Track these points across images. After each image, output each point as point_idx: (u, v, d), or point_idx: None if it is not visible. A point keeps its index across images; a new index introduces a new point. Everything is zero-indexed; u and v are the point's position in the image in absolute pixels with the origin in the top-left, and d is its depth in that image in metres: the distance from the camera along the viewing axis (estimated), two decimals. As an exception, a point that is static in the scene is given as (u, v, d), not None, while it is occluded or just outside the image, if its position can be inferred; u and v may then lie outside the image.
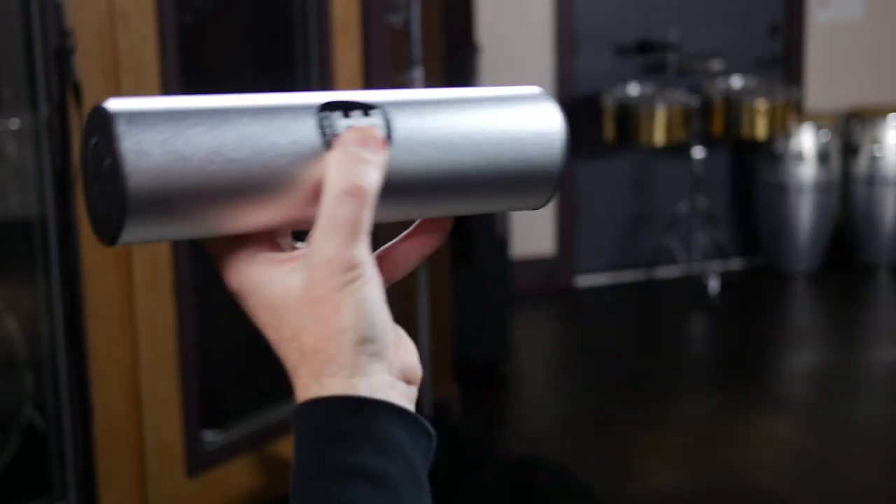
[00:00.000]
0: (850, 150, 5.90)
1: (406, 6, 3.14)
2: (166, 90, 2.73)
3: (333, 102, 0.62)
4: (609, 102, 5.40)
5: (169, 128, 0.58)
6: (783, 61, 6.11)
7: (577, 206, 5.81)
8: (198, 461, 2.94)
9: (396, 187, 0.63)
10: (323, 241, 0.60)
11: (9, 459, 2.65)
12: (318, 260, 0.60)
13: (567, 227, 5.78)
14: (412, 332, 3.79)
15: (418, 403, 0.66)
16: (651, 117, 5.29)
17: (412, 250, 0.69)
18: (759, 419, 4.03)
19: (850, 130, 5.90)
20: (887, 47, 6.22)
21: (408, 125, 0.63)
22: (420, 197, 0.65)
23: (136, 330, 2.75)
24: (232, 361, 3.31)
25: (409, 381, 0.64)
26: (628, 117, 5.33)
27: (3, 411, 2.71)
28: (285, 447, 3.21)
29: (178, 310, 2.82)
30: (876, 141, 5.80)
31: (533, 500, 2.95)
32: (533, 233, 5.61)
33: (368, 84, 3.32)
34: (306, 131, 0.61)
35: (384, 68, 3.35)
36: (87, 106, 2.43)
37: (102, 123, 0.58)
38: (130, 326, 2.73)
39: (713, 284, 5.40)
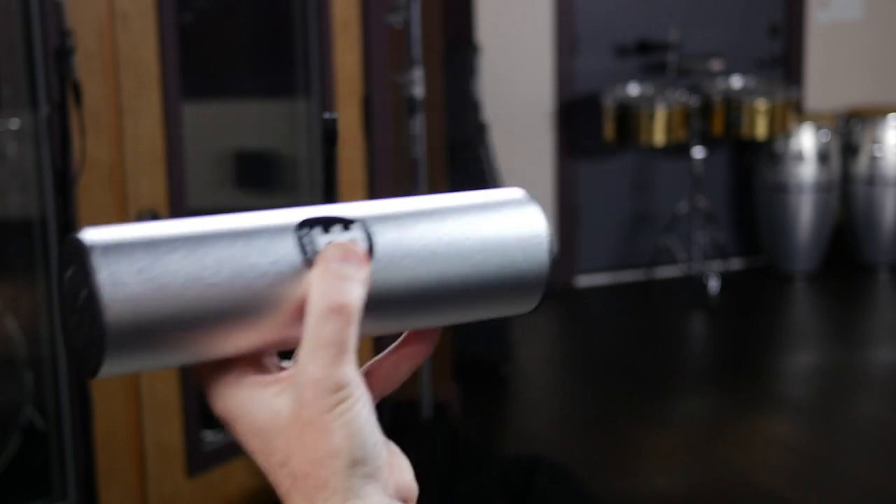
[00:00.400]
0: (850, 150, 5.90)
1: (406, 6, 3.14)
2: (166, 90, 2.73)
3: (312, 218, 0.61)
4: (609, 102, 5.40)
5: (146, 256, 0.56)
6: (783, 61, 6.11)
7: (577, 206, 5.81)
8: (198, 461, 2.95)
9: (381, 301, 0.62)
10: (309, 362, 0.58)
11: (9, 459, 2.65)
12: (305, 381, 0.58)
13: (567, 227, 5.79)
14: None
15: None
16: (651, 117, 5.29)
17: (402, 362, 0.67)
18: (759, 419, 4.03)
19: (850, 130, 5.90)
20: (887, 47, 6.22)
21: (389, 237, 0.62)
22: (406, 310, 0.63)
23: (136, 330, 2.74)
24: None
25: (404, 501, 0.63)
26: (628, 117, 5.33)
27: (3, 411, 2.71)
28: (285, 447, 3.20)
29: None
30: (876, 141, 5.80)
31: (533, 500, 2.95)
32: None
33: (368, 84, 3.32)
34: (286, 250, 0.59)
35: (384, 68, 3.35)
36: (88, 106, 2.43)
37: (78, 255, 0.56)
38: (130, 326, 2.73)
39: (713, 284, 5.40)
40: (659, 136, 5.32)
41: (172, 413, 2.86)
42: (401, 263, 0.62)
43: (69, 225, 2.38)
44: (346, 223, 0.62)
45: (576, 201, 5.80)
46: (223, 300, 0.58)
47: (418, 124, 3.16)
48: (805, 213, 5.73)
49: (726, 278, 5.64)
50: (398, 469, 0.63)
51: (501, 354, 4.42)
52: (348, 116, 3.27)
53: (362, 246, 0.61)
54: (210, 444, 3.00)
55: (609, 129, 5.42)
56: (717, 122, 5.51)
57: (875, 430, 3.96)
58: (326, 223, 0.61)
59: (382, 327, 0.64)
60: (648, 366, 4.62)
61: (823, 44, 6.12)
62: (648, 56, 5.79)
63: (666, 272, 5.86)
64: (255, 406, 0.60)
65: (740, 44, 5.98)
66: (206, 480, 2.98)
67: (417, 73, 3.14)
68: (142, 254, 0.56)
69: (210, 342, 0.58)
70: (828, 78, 6.14)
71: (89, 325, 0.56)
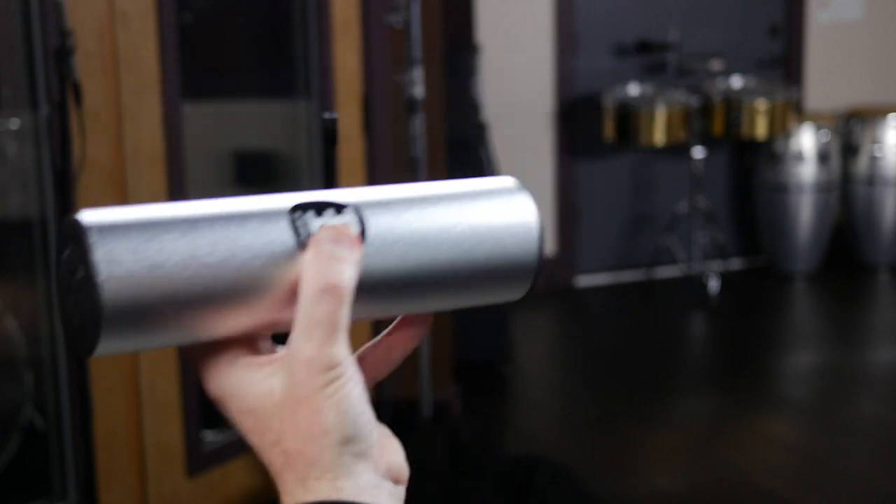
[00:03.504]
0: (850, 150, 5.90)
1: (406, 6, 3.14)
2: (166, 90, 2.73)
3: (306, 203, 0.62)
4: (609, 102, 5.40)
5: (141, 236, 0.57)
6: (783, 61, 6.11)
7: (577, 206, 5.81)
8: (198, 461, 2.95)
9: (373, 285, 0.62)
10: (301, 341, 0.58)
11: (9, 459, 2.65)
12: (298, 361, 0.59)
13: (567, 227, 5.79)
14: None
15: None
16: (651, 117, 5.29)
17: (395, 347, 0.68)
18: (759, 419, 4.03)
19: (850, 130, 5.90)
20: (887, 47, 6.22)
21: (381, 222, 0.63)
22: (397, 294, 0.64)
23: (136, 330, 2.74)
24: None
25: (396, 481, 0.63)
26: (628, 117, 5.33)
27: (3, 411, 2.70)
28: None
29: (178, 310, 2.82)
30: (876, 141, 5.80)
31: (533, 500, 2.95)
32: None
33: (368, 84, 3.32)
34: (280, 233, 0.60)
35: (384, 68, 3.35)
36: (88, 106, 2.43)
37: (74, 235, 0.57)
38: (130, 326, 2.73)
39: (713, 284, 5.40)
40: (659, 136, 5.32)
41: (172, 413, 2.86)
42: (392, 248, 0.63)
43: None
44: (339, 208, 0.63)
45: (576, 201, 5.80)
46: (217, 281, 0.58)
47: (418, 124, 3.16)
48: (805, 213, 5.73)
49: (726, 278, 5.64)
50: (390, 450, 0.63)
51: (501, 354, 4.42)
52: (348, 116, 3.27)
53: (354, 229, 0.62)
54: (210, 444, 3.00)
55: (609, 129, 5.42)
56: (717, 122, 5.51)
57: (875, 430, 3.96)
58: (319, 207, 0.62)
59: (374, 311, 0.64)
60: (648, 366, 4.62)
61: (823, 44, 6.12)
62: (648, 56, 5.79)
63: (666, 272, 5.86)
64: (248, 386, 0.61)
65: (740, 44, 5.98)
66: (206, 480, 2.98)
67: (417, 73, 3.14)
68: (138, 234, 0.57)
69: (204, 323, 0.59)
70: (828, 78, 6.14)
71: (85, 304, 0.57)
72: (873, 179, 5.85)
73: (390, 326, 0.69)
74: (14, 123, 2.59)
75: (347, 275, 0.59)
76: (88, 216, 0.57)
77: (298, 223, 0.61)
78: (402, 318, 0.68)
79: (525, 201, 0.68)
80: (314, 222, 0.61)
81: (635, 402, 4.19)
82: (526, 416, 4.21)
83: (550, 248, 5.77)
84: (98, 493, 2.51)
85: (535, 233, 0.68)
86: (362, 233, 0.62)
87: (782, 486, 3.44)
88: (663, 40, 5.66)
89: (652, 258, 5.84)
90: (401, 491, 0.64)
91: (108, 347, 0.58)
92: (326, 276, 0.59)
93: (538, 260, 0.68)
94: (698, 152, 5.50)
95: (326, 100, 3.20)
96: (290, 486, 0.60)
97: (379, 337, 0.69)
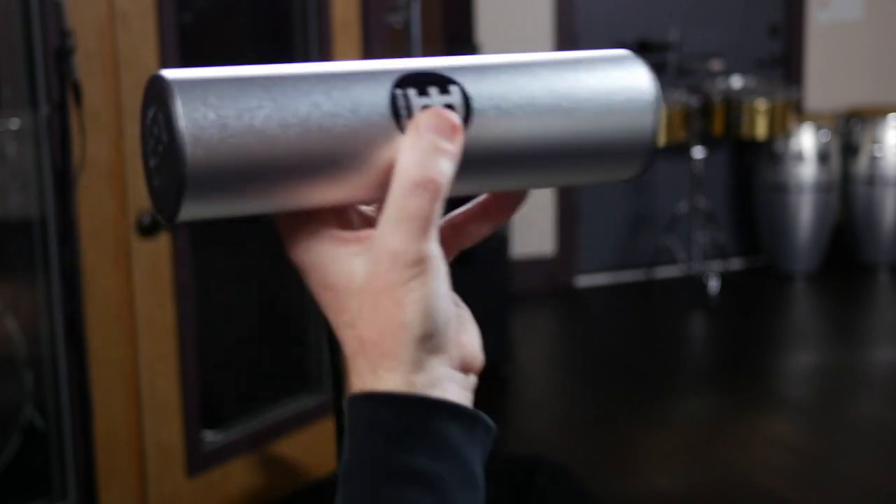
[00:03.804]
0: (850, 150, 5.90)
1: (406, 6, 3.14)
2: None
3: (411, 75, 0.58)
4: (609, 102, 5.39)
5: (230, 98, 0.54)
6: (783, 61, 6.11)
7: (577, 206, 5.81)
8: (198, 461, 2.94)
9: (476, 160, 0.59)
10: (390, 232, 0.57)
11: (9, 459, 2.65)
12: (384, 251, 0.57)
13: (567, 227, 5.79)
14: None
15: None
16: (651, 117, 5.28)
17: (485, 221, 0.66)
18: (759, 419, 4.03)
19: (850, 130, 5.90)
20: (887, 47, 6.22)
21: (489, 95, 0.59)
22: (502, 170, 0.61)
23: (136, 330, 2.75)
24: (232, 361, 3.31)
25: (468, 370, 0.63)
26: (628, 117, 5.32)
27: (3, 411, 2.70)
28: (285, 447, 3.21)
29: (178, 310, 2.82)
30: (876, 141, 5.80)
31: (533, 500, 2.94)
32: (533, 233, 5.61)
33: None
34: (379, 108, 0.56)
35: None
36: (88, 106, 2.43)
37: (159, 94, 0.54)
38: (130, 326, 2.73)
39: (713, 284, 5.40)
40: (659, 136, 5.31)
41: (172, 413, 2.86)
42: (499, 123, 0.59)
43: (69, 225, 2.38)
44: (445, 85, 0.58)
45: (576, 201, 5.80)
46: (308, 153, 0.55)
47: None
48: (805, 213, 5.73)
49: (726, 278, 5.64)
50: (466, 338, 0.63)
51: (501, 354, 4.42)
52: (348, 116, 3.27)
53: (459, 113, 0.58)
54: (210, 444, 3.00)
55: (609, 129, 5.42)
56: (717, 122, 5.51)
57: (875, 430, 3.96)
58: (424, 81, 0.58)
59: (475, 187, 0.62)
60: (648, 366, 4.62)
61: (823, 44, 6.12)
62: (648, 56, 5.79)
63: (666, 272, 5.86)
64: (330, 261, 0.59)
65: (740, 44, 5.98)
66: (206, 480, 2.98)
67: (417, 73, 3.14)
68: (226, 95, 0.54)
69: (292, 193, 0.56)
70: (828, 78, 6.14)
71: (169, 168, 0.54)
72: (873, 179, 5.85)
73: (483, 197, 0.66)
74: (14, 123, 2.59)
75: (446, 168, 0.57)
76: (175, 73, 0.55)
77: (400, 101, 0.57)
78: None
79: (641, 71, 0.65)
80: (417, 102, 0.58)
81: (635, 402, 4.18)
82: (526, 416, 4.21)
83: (550, 248, 5.77)
84: (98, 493, 2.51)
85: (651, 105, 0.64)
86: (468, 113, 0.58)
87: (782, 486, 3.44)
88: (663, 40, 5.66)
89: (652, 258, 5.84)
90: (472, 380, 0.63)
91: (190, 213, 0.55)
92: (424, 168, 0.56)
93: (654, 134, 0.64)
94: (698, 152, 5.50)
95: (326, 100, 3.20)
96: (360, 370, 0.59)
97: (470, 205, 0.66)
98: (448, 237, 0.64)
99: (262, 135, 0.54)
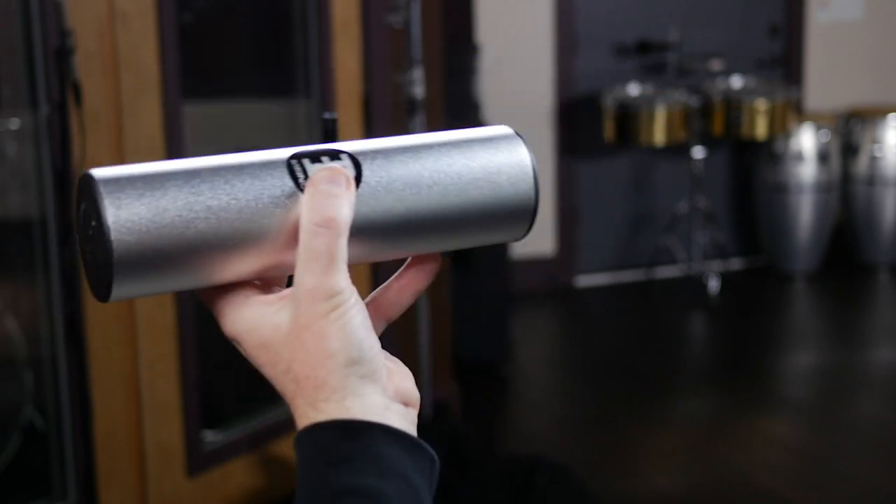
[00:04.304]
0: (850, 150, 5.90)
1: (406, 6, 3.14)
2: (166, 90, 2.73)
3: (303, 152, 0.65)
4: (609, 102, 5.40)
5: (147, 185, 0.60)
6: (783, 61, 6.11)
7: (577, 206, 5.81)
8: (198, 461, 2.94)
9: (371, 227, 0.65)
10: (303, 273, 0.62)
11: (9, 459, 2.65)
12: (301, 292, 0.62)
13: (567, 227, 5.78)
14: (412, 333, 3.76)
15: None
16: (651, 117, 5.29)
17: (406, 288, 0.71)
18: (759, 419, 4.03)
19: (850, 130, 5.90)
20: (887, 47, 6.22)
21: (377, 165, 0.66)
22: (396, 235, 0.66)
23: (136, 330, 2.75)
24: (232, 361, 3.30)
25: (406, 405, 0.66)
26: (628, 117, 5.33)
27: (3, 411, 2.71)
28: (285, 447, 3.21)
29: (178, 310, 2.82)
30: (876, 141, 5.80)
31: (533, 500, 2.94)
32: (533, 233, 5.59)
33: (368, 84, 3.32)
34: (279, 178, 0.63)
35: (384, 68, 3.35)
36: (88, 106, 2.43)
37: (88, 188, 0.61)
38: (130, 326, 2.73)
39: (713, 284, 5.40)
40: (659, 136, 5.32)
41: (172, 413, 2.86)
42: (388, 189, 0.65)
43: (69, 225, 2.38)
44: (335, 155, 0.65)
45: (576, 201, 5.80)
46: (221, 224, 0.62)
47: (418, 124, 3.16)
48: (805, 213, 5.73)
49: (726, 278, 5.64)
50: (399, 376, 0.67)
51: (501, 354, 4.42)
52: (348, 116, 3.27)
53: (350, 172, 0.65)
54: (210, 444, 3.00)
55: (609, 129, 5.42)
56: (717, 122, 5.51)
57: (875, 430, 3.96)
58: (316, 155, 0.65)
59: (376, 253, 0.67)
60: (648, 366, 4.62)
61: (823, 44, 6.12)
62: (648, 56, 5.79)
63: (666, 272, 5.86)
64: (260, 322, 0.64)
65: (740, 44, 5.98)
66: (206, 480, 2.98)
67: (417, 73, 3.14)
68: (144, 183, 0.61)
69: (211, 266, 0.62)
70: (828, 78, 6.14)
71: (100, 252, 0.61)
72: (873, 179, 5.85)
73: (399, 270, 0.72)
74: (14, 123, 2.59)
75: (343, 210, 0.62)
76: (98, 171, 0.61)
77: (297, 169, 0.64)
78: (413, 258, 0.71)
79: (518, 145, 0.70)
80: (312, 167, 0.64)
81: (635, 402, 4.18)
82: (526, 416, 4.21)
83: (550, 248, 5.77)
84: (98, 493, 2.51)
85: (530, 174, 0.70)
86: (358, 175, 0.65)
87: (782, 486, 3.44)
88: (663, 40, 5.66)
89: (652, 258, 5.84)
90: (412, 414, 0.67)
91: (122, 292, 0.61)
92: (323, 210, 0.62)
93: (535, 199, 0.70)
94: (698, 152, 5.50)
95: (326, 100, 3.20)
96: (302, 410, 0.63)
97: (389, 280, 0.72)
98: (374, 313, 0.69)
99: (180, 215, 0.61)
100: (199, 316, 2.92)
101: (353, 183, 0.64)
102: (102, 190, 0.60)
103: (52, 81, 2.44)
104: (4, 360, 2.71)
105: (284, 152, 0.65)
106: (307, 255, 0.62)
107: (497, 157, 0.69)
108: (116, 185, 0.60)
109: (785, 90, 5.53)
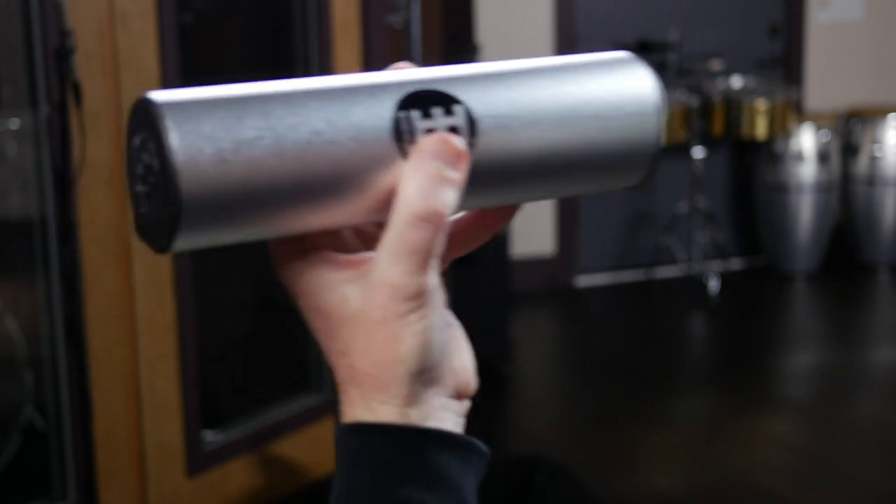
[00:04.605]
0: (850, 150, 5.90)
1: (406, 6, 3.14)
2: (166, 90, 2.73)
3: (413, 94, 0.56)
4: (609, 102, 5.39)
5: (222, 120, 0.51)
6: (783, 61, 6.11)
7: (577, 206, 5.81)
8: (198, 461, 2.94)
9: (481, 177, 0.57)
10: (390, 264, 0.55)
11: (9, 459, 2.65)
12: (382, 283, 0.55)
13: (567, 227, 5.78)
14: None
15: None
16: (651, 117, 5.28)
17: (480, 229, 0.64)
18: (759, 419, 4.03)
19: (850, 130, 5.90)
20: (887, 47, 6.22)
21: (494, 114, 0.57)
22: (507, 186, 0.59)
23: (136, 330, 2.75)
24: (232, 361, 3.31)
25: (462, 396, 0.62)
26: (628, 117, 5.32)
27: (3, 411, 2.70)
28: (285, 447, 3.20)
29: (178, 310, 2.82)
30: (876, 141, 5.80)
31: (533, 500, 2.95)
32: (533, 233, 5.61)
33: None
34: (382, 132, 0.54)
35: (384, 68, 3.34)
36: (88, 106, 2.43)
37: (147, 118, 0.51)
38: (130, 326, 2.73)
39: (713, 284, 5.40)
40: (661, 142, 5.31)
41: (172, 413, 2.86)
42: (504, 141, 0.57)
43: (69, 225, 2.38)
44: (449, 104, 0.57)
45: (576, 201, 5.80)
46: (309, 180, 0.53)
47: (418, 124, 3.16)
48: (805, 213, 5.73)
49: (726, 278, 5.64)
50: (459, 362, 0.62)
51: (501, 354, 4.42)
52: (348, 116, 3.27)
53: (464, 135, 0.56)
54: (210, 444, 3.00)
55: (609, 129, 5.41)
56: (717, 122, 5.51)
57: (875, 430, 3.96)
58: (428, 101, 0.56)
59: (482, 202, 0.60)
60: (648, 366, 4.62)
61: (823, 44, 6.12)
62: (648, 56, 5.78)
63: (666, 272, 5.86)
64: (324, 286, 0.57)
65: (740, 44, 5.98)
66: (206, 480, 2.98)
67: (417, 73, 3.14)
68: (219, 117, 0.51)
69: (289, 220, 0.54)
70: (828, 78, 6.14)
71: (161, 197, 0.51)
72: (873, 179, 5.85)
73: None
74: (14, 123, 2.59)
75: (450, 199, 0.55)
76: (160, 95, 0.52)
77: (403, 123, 0.55)
78: None
79: (644, 74, 0.63)
80: (420, 124, 0.55)
81: (635, 402, 4.18)
82: (526, 416, 4.21)
83: (550, 247, 5.77)
84: (98, 493, 2.51)
85: (655, 109, 0.62)
86: (473, 133, 0.57)
87: (782, 486, 3.44)
88: (663, 40, 5.66)
89: (652, 258, 5.84)
90: (465, 406, 0.62)
91: (187, 241, 0.52)
92: (427, 199, 0.54)
93: (658, 141, 0.63)
94: (698, 152, 5.50)
95: (326, 100, 3.20)
96: (353, 400, 0.58)
97: (464, 213, 0.64)
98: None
99: (261, 166, 0.52)
100: (198, 315, 2.92)
101: (466, 159, 0.55)
102: (169, 120, 0.50)
103: (52, 81, 2.44)
104: (4, 360, 2.71)
105: (393, 83, 0.56)
106: (399, 246, 0.54)
107: (620, 90, 0.61)
108: (186, 117, 0.50)
109: (785, 90, 5.53)
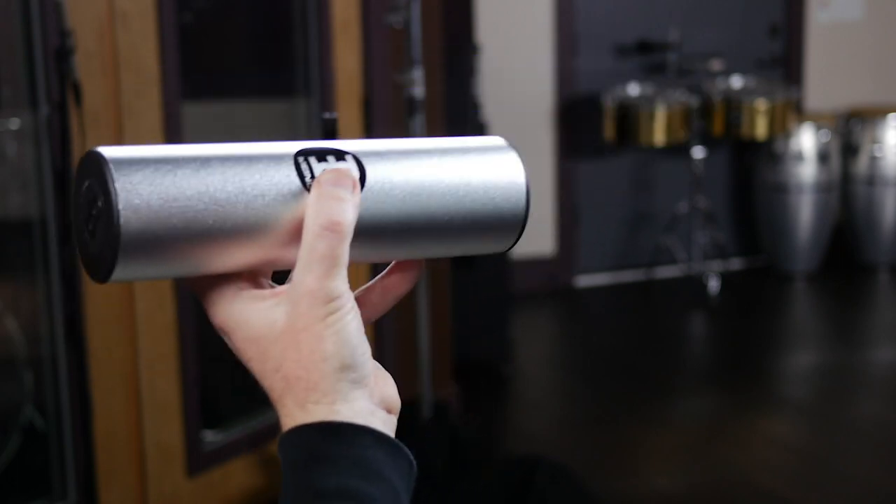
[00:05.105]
0: (850, 150, 5.90)
1: (406, 6, 3.13)
2: (166, 90, 2.73)
3: (310, 149, 0.66)
4: (609, 102, 5.40)
5: (158, 170, 0.61)
6: (783, 61, 6.11)
7: (577, 206, 5.81)
8: (198, 461, 2.94)
9: (369, 229, 0.66)
10: (304, 274, 0.62)
11: (9, 459, 2.65)
12: (300, 293, 0.63)
13: (567, 227, 5.78)
14: (412, 333, 3.75)
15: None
16: (651, 117, 5.29)
17: (389, 290, 0.72)
18: (759, 419, 4.03)
19: (850, 130, 5.90)
20: (887, 47, 6.22)
21: (379, 170, 0.67)
22: (392, 240, 0.68)
23: (136, 330, 2.75)
24: (232, 362, 3.30)
25: (389, 411, 0.67)
26: (628, 117, 5.33)
27: (3, 411, 2.71)
28: (285, 447, 3.20)
29: (178, 310, 2.82)
30: (876, 141, 5.80)
31: (533, 500, 2.94)
32: (533, 233, 5.61)
33: (368, 84, 3.32)
34: (286, 174, 0.64)
35: (384, 68, 3.35)
36: (87, 106, 2.43)
37: (95, 166, 0.61)
38: (130, 326, 2.73)
39: (713, 284, 5.40)
40: (659, 136, 5.31)
41: (172, 413, 2.86)
42: (389, 194, 0.67)
43: (69, 225, 2.38)
44: (340, 155, 0.67)
45: (576, 201, 5.80)
46: (227, 216, 0.62)
47: (418, 124, 3.16)
48: (805, 213, 5.73)
49: (726, 278, 5.64)
50: (383, 382, 0.68)
51: (501, 354, 4.42)
52: (348, 116, 3.27)
53: (355, 174, 0.66)
54: (210, 444, 3.00)
55: (609, 129, 5.42)
56: (717, 122, 5.51)
57: (875, 430, 3.96)
58: (322, 154, 0.66)
59: (371, 255, 0.69)
60: (648, 366, 4.62)
61: (823, 44, 6.12)
62: (648, 56, 5.79)
63: (666, 272, 5.86)
64: (252, 316, 0.65)
65: (740, 44, 5.98)
66: (206, 480, 2.98)
67: (417, 73, 3.14)
68: (155, 168, 0.61)
69: (213, 255, 0.63)
70: (828, 78, 6.14)
71: (104, 231, 0.61)
72: (873, 179, 5.85)
73: (383, 272, 0.73)
74: (14, 123, 2.59)
75: (348, 213, 0.63)
76: (107, 150, 0.61)
77: (303, 167, 0.65)
78: (395, 264, 0.72)
79: (513, 159, 0.73)
80: (318, 166, 0.65)
81: (635, 402, 4.18)
82: (526, 416, 4.21)
83: (550, 247, 5.77)
84: (98, 493, 2.51)
85: (522, 188, 0.72)
86: (362, 178, 0.66)
87: (782, 486, 3.44)
88: (663, 40, 5.66)
89: (652, 258, 5.84)
90: (393, 420, 0.68)
91: (123, 273, 0.61)
92: (329, 213, 0.62)
93: (525, 213, 0.72)
94: (698, 152, 5.50)
95: (326, 100, 3.20)
96: (289, 410, 0.64)
97: (372, 281, 0.73)
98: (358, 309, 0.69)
99: (188, 203, 0.61)
100: (198, 315, 2.92)
101: (358, 187, 0.64)
102: (114, 169, 0.60)
103: (52, 81, 2.44)
104: (4, 360, 2.71)
105: (291, 147, 0.66)
106: (310, 257, 0.62)
107: (493, 170, 0.71)
108: (128, 166, 0.60)
109: (785, 90, 5.53)
